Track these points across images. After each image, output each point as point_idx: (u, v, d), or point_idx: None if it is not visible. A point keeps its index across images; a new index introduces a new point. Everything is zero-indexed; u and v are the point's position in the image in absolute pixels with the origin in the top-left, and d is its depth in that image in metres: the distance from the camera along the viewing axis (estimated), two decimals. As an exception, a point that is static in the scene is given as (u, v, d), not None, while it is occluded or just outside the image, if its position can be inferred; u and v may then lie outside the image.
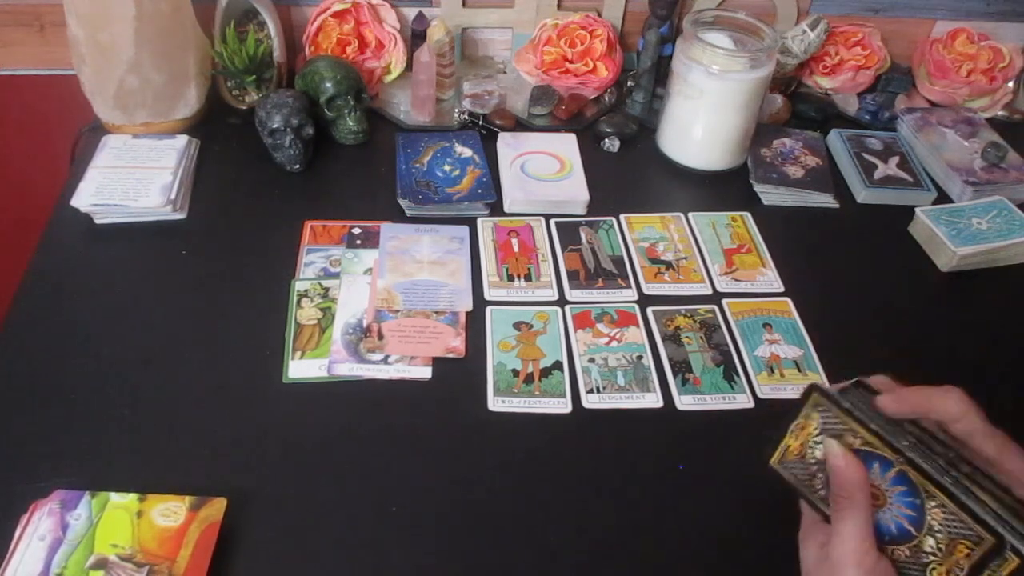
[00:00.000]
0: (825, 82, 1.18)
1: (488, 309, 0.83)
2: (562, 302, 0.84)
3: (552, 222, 0.94)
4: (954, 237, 0.91)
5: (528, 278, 0.87)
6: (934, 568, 0.48)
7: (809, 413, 0.54)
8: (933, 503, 0.48)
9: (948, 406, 0.50)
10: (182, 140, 0.97)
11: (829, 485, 0.52)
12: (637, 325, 0.82)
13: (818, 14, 1.13)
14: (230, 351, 0.77)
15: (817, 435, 0.54)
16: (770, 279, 0.89)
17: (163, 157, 0.94)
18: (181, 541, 0.59)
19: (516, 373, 0.77)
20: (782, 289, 0.87)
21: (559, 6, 1.15)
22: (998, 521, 0.46)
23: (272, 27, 1.05)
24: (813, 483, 0.54)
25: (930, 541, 0.48)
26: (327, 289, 0.83)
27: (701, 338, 0.81)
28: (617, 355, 0.79)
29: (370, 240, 0.89)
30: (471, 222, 0.93)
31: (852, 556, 0.48)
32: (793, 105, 1.13)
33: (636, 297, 0.86)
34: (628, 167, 1.05)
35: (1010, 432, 0.50)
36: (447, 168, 0.98)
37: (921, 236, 0.95)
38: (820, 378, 0.78)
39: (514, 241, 0.91)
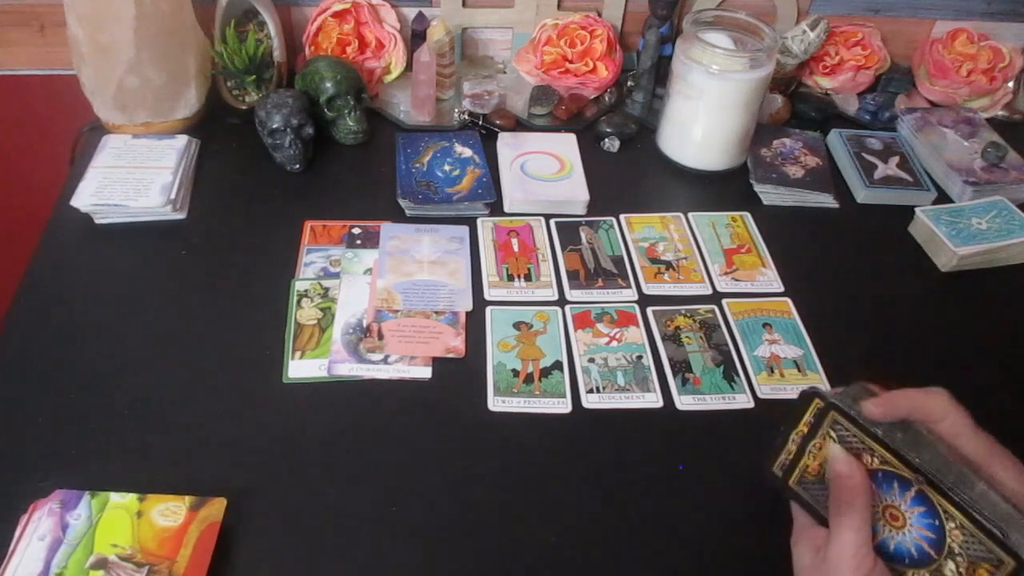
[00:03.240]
0: (825, 82, 1.18)
1: (488, 309, 0.83)
2: (562, 302, 0.84)
3: (552, 222, 0.94)
4: (954, 237, 0.91)
5: (528, 278, 0.87)
6: None
7: (827, 432, 0.53)
8: (952, 524, 0.48)
9: (933, 407, 0.50)
10: (182, 140, 0.97)
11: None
12: (637, 325, 0.82)
13: (818, 14, 1.13)
14: (230, 351, 0.77)
15: None
16: (770, 279, 0.89)
17: (163, 157, 0.94)
18: (181, 541, 0.59)
19: (516, 373, 0.77)
20: (782, 289, 0.87)
21: (559, 6, 1.15)
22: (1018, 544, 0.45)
23: (272, 27, 1.05)
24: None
25: (950, 565, 0.48)
26: (327, 289, 0.83)
27: (701, 338, 0.81)
28: (617, 355, 0.79)
29: (370, 240, 0.89)
30: (471, 222, 0.93)
31: (851, 559, 0.49)
32: (793, 105, 1.13)
33: (636, 297, 0.86)
34: (628, 167, 1.05)
35: (1010, 431, 0.50)
36: (447, 168, 0.98)
37: (921, 236, 0.95)
38: (820, 378, 0.78)
39: (514, 241, 0.91)
